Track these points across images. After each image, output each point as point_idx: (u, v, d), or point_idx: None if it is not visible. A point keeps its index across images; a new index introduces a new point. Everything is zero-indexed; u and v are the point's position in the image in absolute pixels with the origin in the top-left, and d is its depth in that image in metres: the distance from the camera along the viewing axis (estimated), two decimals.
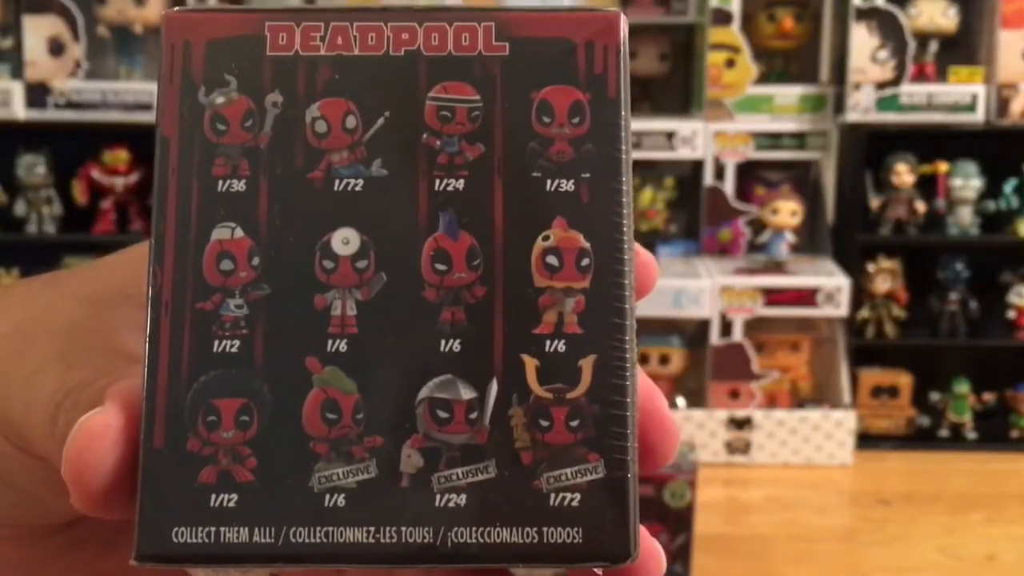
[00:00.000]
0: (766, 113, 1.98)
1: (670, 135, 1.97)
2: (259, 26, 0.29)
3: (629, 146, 0.29)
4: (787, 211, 1.99)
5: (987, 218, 1.96)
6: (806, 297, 1.91)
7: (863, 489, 1.85)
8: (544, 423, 0.28)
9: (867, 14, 1.90)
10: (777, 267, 1.96)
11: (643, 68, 2.06)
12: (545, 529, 0.27)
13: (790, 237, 1.99)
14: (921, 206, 1.95)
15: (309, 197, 0.28)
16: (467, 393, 0.28)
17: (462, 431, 0.27)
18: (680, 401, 1.95)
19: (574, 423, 0.28)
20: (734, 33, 1.95)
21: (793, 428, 1.90)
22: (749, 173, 2.02)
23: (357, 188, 0.28)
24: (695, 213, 2.04)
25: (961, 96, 1.91)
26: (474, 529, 0.27)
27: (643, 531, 0.29)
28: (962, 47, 1.96)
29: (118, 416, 0.27)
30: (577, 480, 0.27)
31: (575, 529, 0.27)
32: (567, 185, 0.28)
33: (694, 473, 1.43)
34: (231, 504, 0.27)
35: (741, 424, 1.91)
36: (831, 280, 1.91)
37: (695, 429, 1.90)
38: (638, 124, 1.98)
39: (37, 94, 1.93)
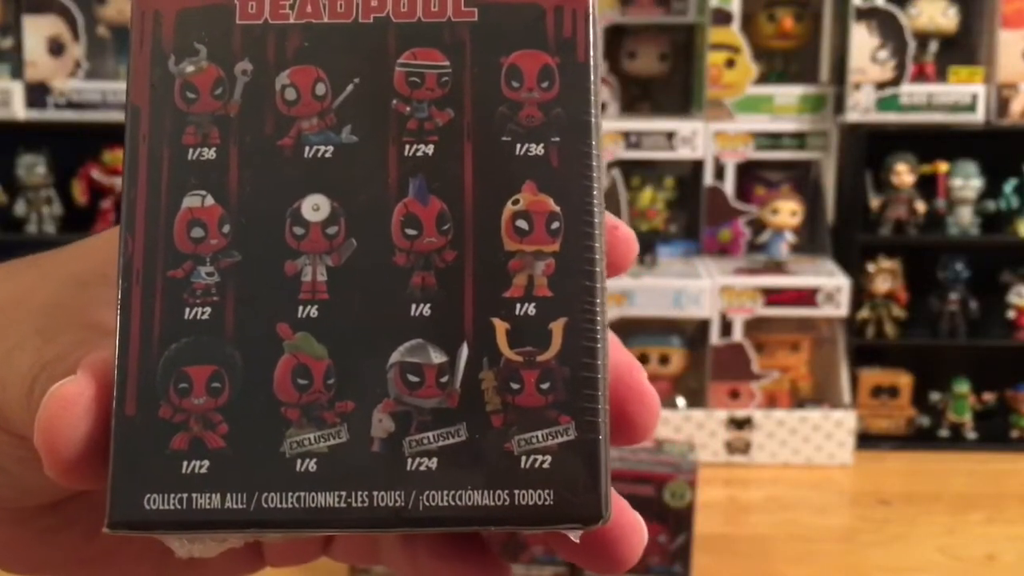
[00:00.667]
0: (766, 113, 1.98)
1: (670, 135, 1.96)
2: None
3: (599, 110, 0.29)
4: (787, 211, 1.99)
5: (987, 218, 1.96)
6: (806, 297, 1.91)
7: (863, 489, 1.85)
8: (515, 386, 0.28)
9: (867, 14, 1.90)
10: (777, 267, 1.96)
11: (643, 68, 2.06)
12: (516, 491, 0.27)
13: (790, 237, 1.99)
14: (921, 206, 1.95)
15: (279, 164, 0.28)
16: (438, 357, 0.28)
17: (433, 395, 0.27)
18: (680, 401, 1.95)
19: (545, 386, 0.28)
20: (734, 33, 1.95)
21: (793, 428, 1.90)
22: (749, 173, 2.02)
23: (327, 155, 0.28)
24: (695, 213, 2.04)
25: (961, 96, 1.91)
26: (445, 492, 0.27)
27: (625, 503, 0.29)
28: (962, 47, 1.96)
29: (90, 384, 0.27)
30: (548, 442, 0.27)
31: (546, 491, 0.27)
32: (536, 149, 0.28)
33: (694, 473, 1.43)
34: (203, 470, 0.27)
35: (741, 424, 1.91)
36: (831, 280, 1.91)
37: (695, 429, 1.90)
38: (638, 124, 1.98)
39: (37, 94, 1.93)
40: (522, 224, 0.28)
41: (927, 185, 1.96)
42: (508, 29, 0.29)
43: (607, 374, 0.28)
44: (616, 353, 0.29)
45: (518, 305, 0.28)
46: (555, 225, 0.28)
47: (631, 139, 1.96)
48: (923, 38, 1.93)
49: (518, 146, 0.28)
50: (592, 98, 0.29)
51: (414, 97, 0.29)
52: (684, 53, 2.06)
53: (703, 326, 1.93)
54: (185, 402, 0.27)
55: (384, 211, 0.28)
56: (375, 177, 0.28)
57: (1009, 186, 1.95)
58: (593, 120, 0.29)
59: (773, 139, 1.99)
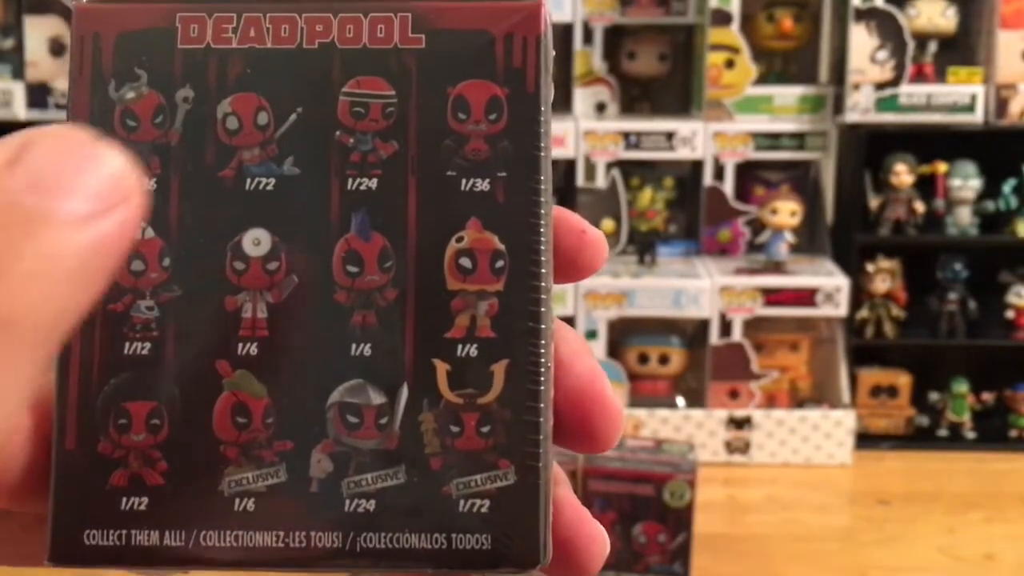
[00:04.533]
0: (765, 113, 1.98)
1: (670, 135, 1.97)
2: (170, 18, 0.28)
3: (549, 143, 0.28)
4: (786, 211, 2.00)
5: (986, 218, 1.96)
6: (805, 297, 1.91)
7: (862, 489, 1.85)
8: (454, 428, 0.27)
9: (866, 14, 1.90)
10: (776, 267, 1.96)
11: (643, 68, 2.06)
12: (454, 536, 0.27)
13: (789, 237, 1.99)
14: (920, 206, 1.95)
15: (220, 196, 0.28)
16: (377, 398, 0.27)
17: (372, 436, 0.27)
18: (680, 401, 1.95)
19: (485, 429, 0.27)
20: (733, 34, 1.95)
21: (792, 428, 1.91)
22: (748, 173, 2.02)
23: (268, 187, 0.28)
24: (695, 213, 2.04)
25: (960, 96, 1.91)
26: (383, 535, 0.27)
27: (585, 514, 0.29)
28: (961, 48, 1.96)
29: (29, 417, 0.27)
30: (487, 487, 0.27)
31: (484, 536, 0.27)
32: (482, 185, 0.28)
33: (694, 473, 1.43)
34: (142, 507, 0.27)
35: (740, 424, 1.91)
36: (830, 280, 1.91)
37: (695, 429, 1.91)
38: (638, 124, 1.98)
39: (38, 94, 1.93)
40: (465, 262, 0.28)
41: (926, 185, 1.96)
42: (456, 57, 0.28)
43: (550, 417, 0.27)
44: (580, 362, 0.29)
45: (460, 346, 0.27)
46: (499, 264, 0.28)
47: (631, 139, 1.97)
48: (922, 39, 1.93)
49: (463, 181, 0.28)
50: (541, 130, 0.28)
51: (358, 128, 0.28)
52: (684, 53, 2.06)
53: (703, 326, 1.93)
54: (124, 438, 0.27)
55: (325, 247, 0.28)
56: (317, 211, 0.28)
57: (1008, 186, 1.95)
58: (542, 154, 0.28)
59: (772, 139, 1.99)
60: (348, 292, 0.28)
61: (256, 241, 0.28)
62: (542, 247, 0.28)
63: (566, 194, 1.97)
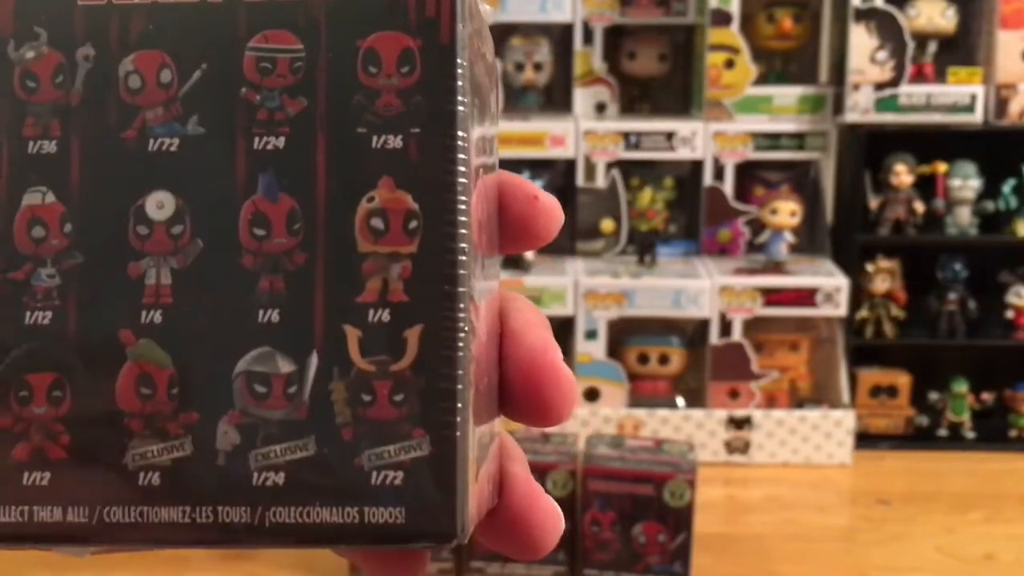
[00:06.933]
0: (765, 113, 1.98)
1: (670, 135, 1.97)
2: None
3: (468, 96, 0.26)
4: (786, 211, 2.00)
5: (986, 218, 1.96)
6: (805, 297, 1.91)
7: (862, 489, 1.85)
8: (366, 397, 0.26)
9: (866, 15, 1.90)
10: (776, 267, 1.96)
11: (643, 68, 2.06)
12: (366, 509, 0.26)
13: (789, 237, 1.99)
14: (920, 206, 1.95)
15: (122, 158, 0.27)
16: (286, 366, 0.26)
17: (280, 406, 0.26)
18: (680, 401, 1.95)
19: (398, 397, 0.26)
20: (733, 34, 1.95)
21: (792, 428, 1.91)
22: (748, 173, 2.02)
23: (172, 148, 0.26)
24: (695, 213, 2.04)
25: (960, 97, 1.91)
26: (293, 508, 0.26)
27: (538, 490, 0.28)
28: (961, 48, 1.96)
29: None
30: (400, 457, 0.26)
31: (397, 509, 0.26)
32: (395, 142, 0.26)
33: (693, 473, 1.43)
34: (44, 482, 0.26)
35: (740, 424, 1.91)
36: (830, 280, 1.91)
37: (694, 429, 1.91)
38: (638, 125, 1.98)
39: None
40: (377, 223, 0.26)
41: (926, 185, 1.96)
42: (366, 9, 0.26)
43: (468, 385, 0.26)
44: (532, 332, 0.29)
45: (371, 311, 0.26)
46: (413, 224, 0.26)
47: (631, 139, 1.97)
48: (922, 39, 1.93)
49: (374, 138, 0.26)
50: (457, 84, 0.26)
51: (264, 85, 0.26)
52: (684, 54, 2.07)
53: (702, 326, 1.93)
54: (26, 411, 0.26)
55: (231, 209, 0.26)
56: (222, 172, 0.26)
57: (1007, 186, 1.95)
58: (459, 108, 0.26)
59: (772, 139, 1.99)
60: (255, 256, 0.26)
61: (160, 204, 0.26)
62: (459, 206, 0.26)
63: (566, 194, 1.97)
